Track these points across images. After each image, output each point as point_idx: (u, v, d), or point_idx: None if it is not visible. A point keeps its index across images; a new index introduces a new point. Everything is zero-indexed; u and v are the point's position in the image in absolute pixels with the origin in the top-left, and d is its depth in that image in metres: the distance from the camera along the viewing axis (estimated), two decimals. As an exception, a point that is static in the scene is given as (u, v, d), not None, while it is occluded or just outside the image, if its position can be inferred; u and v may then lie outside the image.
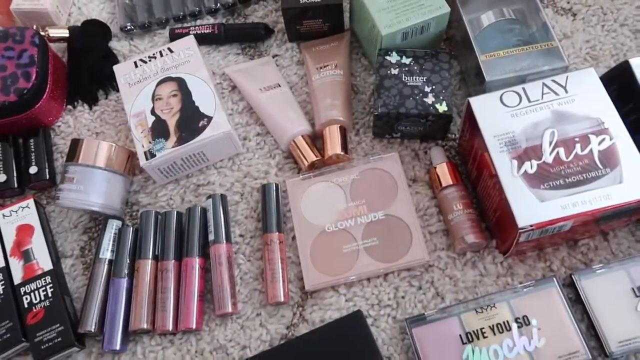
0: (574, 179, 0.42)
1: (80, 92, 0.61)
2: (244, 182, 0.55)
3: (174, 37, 0.62)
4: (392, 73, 0.52)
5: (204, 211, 0.52)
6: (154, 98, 0.55)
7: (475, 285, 0.47)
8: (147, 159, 0.51)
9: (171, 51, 0.57)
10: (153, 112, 0.54)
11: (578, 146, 0.43)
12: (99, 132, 0.59)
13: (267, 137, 0.57)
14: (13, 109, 0.55)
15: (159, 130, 0.53)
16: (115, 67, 0.57)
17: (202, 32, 0.62)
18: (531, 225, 0.41)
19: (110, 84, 0.61)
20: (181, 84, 0.55)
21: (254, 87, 0.58)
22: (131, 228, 0.52)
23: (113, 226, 0.52)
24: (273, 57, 0.62)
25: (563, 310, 0.44)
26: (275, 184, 0.52)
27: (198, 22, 0.64)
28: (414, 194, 0.52)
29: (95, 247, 0.52)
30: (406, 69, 0.52)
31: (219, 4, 0.64)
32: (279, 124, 0.55)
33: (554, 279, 0.45)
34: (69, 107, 0.61)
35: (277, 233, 0.50)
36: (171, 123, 0.53)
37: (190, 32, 0.62)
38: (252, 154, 0.56)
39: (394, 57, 0.53)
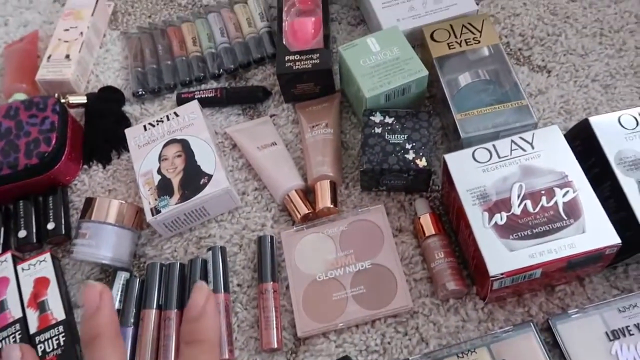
0: (540, 229, 0.45)
1: (95, 153, 0.67)
2: (242, 234, 0.59)
3: (180, 100, 0.69)
4: (376, 132, 0.57)
5: (205, 263, 0.56)
6: (160, 158, 0.60)
7: (458, 330, 0.50)
8: (153, 215, 0.56)
9: (177, 115, 0.63)
10: (159, 172, 0.59)
11: (544, 198, 0.46)
12: (111, 189, 0.64)
13: (264, 191, 0.61)
14: (35, 170, 0.60)
15: (164, 188, 0.58)
16: (126, 131, 0.63)
17: (206, 95, 0.68)
18: (502, 274, 0.44)
19: (122, 145, 0.67)
20: (185, 145, 0.60)
21: (252, 145, 0.63)
22: (138, 279, 0.56)
23: (121, 278, 0.56)
24: (270, 116, 0.67)
25: (540, 355, 0.46)
26: (271, 236, 0.57)
27: (203, 86, 0.71)
28: (400, 244, 0.56)
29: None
30: (389, 127, 0.57)
31: (221, 70, 0.71)
32: (274, 179, 0.60)
33: (532, 324, 0.47)
34: (85, 166, 0.66)
35: (271, 282, 0.54)
36: (175, 181, 0.58)
37: (195, 96, 0.68)
38: (250, 208, 0.60)
39: (377, 117, 0.58)
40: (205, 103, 0.68)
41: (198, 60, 0.71)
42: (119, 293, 0.55)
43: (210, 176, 0.57)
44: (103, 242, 0.56)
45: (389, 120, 0.57)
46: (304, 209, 0.57)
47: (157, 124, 0.63)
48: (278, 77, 0.64)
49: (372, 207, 0.57)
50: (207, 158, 0.59)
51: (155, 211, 0.56)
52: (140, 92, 0.70)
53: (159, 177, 0.59)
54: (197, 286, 0.31)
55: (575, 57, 0.65)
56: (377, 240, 0.55)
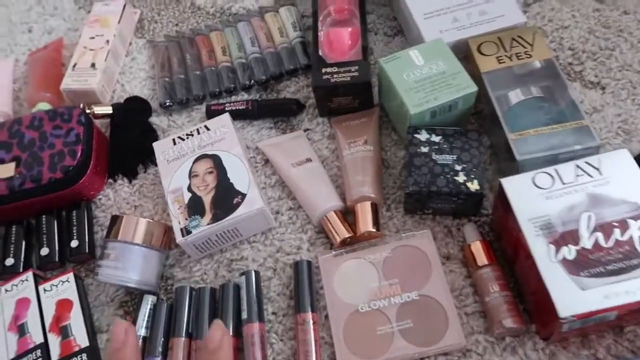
0: (615, 266, 0.41)
1: (121, 167, 0.64)
2: (277, 257, 0.55)
3: (210, 112, 0.65)
4: (422, 151, 0.53)
5: (237, 288, 0.52)
6: (190, 175, 0.57)
7: (515, 371, 0.46)
8: (183, 236, 0.53)
9: (207, 129, 0.60)
10: (190, 189, 0.56)
11: (617, 231, 0.42)
12: (137, 205, 0.61)
13: (299, 211, 0.58)
14: (59, 185, 0.57)
15: (194, 207, 0.54)
16: (155, 144, 0.60)
17: (237, 108, 0.65)
18: (573, 316, 0.40)
19: (149, 158, 0.64)
20: (216, 161, 0.57)
21: (286, 161, 0.59)
22: (166, 303, 0.53)
23: (148, 302, 0.53)
24: (304, 131, 0.64)
25: (611, 403, 0.42)
26: (308, 261, 0.53)
27: (233, 98, 0.68)
28: (448, 273, 0.52)
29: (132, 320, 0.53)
30: (436, 147, 0.53)
31: (252, 81, 0.67)
32: (311, 199, 0.56)
33: (599, 367, 0.43)
34: (110, 180, 0.63)
35: (310, 313, 0.50)
36: (207, 200, 0.54)
37: (226, 109, 0.65)
38: (284, 229, 0.57)
39: (423, 135, 0.54)
40: (235, 115, 0.64)
41: (228, 70, 0.68)
42: (145, 319, 0.52)
43: (243, 195, 0.54)
44: (130, 263, 0.52)
45: (436, 138, 0.53)
46: (344, 233, 0.53)
47: (187, 138, 0.59)
48: (314, 90, 0.60)
49: (418, 231, 0.53)
50: (240, 175, 0.55)
51: (186, 232, 0.53)
52: (167, 103, 0.67)
53: (189, 194, 0.55)
54: (217, 322, 0.39)
55: (632, 74, 0.61)
56: (424, 268, 0.51)
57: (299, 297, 0.51)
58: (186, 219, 0.54)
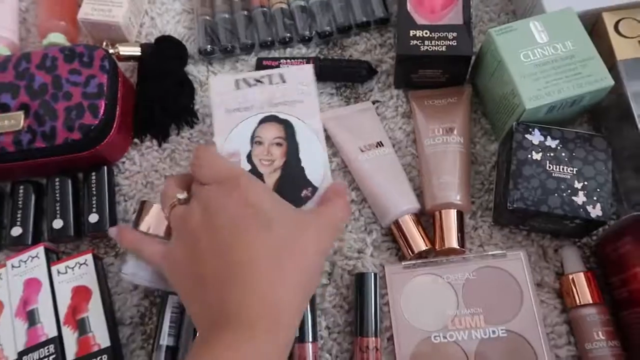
0: None
1: (150, 125, 0.53)
2: (334, 259, 0.47)
3: (260, 68, 0.53)
4: (534, 158, 0.42)
5: (288, 296, 0.44)
6: (253, 139, 0.44)
7: None
8: None
9: (283, 80, 0.46)
10: (249, 159, 0.44)
11: None
12: (167, 175, 0.51)
13: (363, 206, 0.48)
14: (76, 146, 0.47)
15: None
16: (211, 81, 0.46)
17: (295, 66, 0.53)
18: None
19: (184, 118, 0.53)
20: (289, 130, 0.44)
21: (353, 143, 0.49)
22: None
23: (174, 304, 0.44)
24: (373, 103, 0.52)
25: None
26: (374, 273, 0.44)
27: (288, 51, 0.55)
28: (539, 304, 0.43)
29: (155, 324, 0.45)
30: (551, 154, 0.42)
31: (314, 32, 0.55)
32: (381, 196, 0.46)
33: None
34: (135, 140, 0.53)
35: (373, 338, 0.42)
36: (269, 180, 0.43)
37: (281, 65, 0.53)
38: (344, 227, 0.48)
39: (536, 136, 0.43)
40: (290, 75, 0.53)
41: (283, 14, 0.55)
42: (171, 324, 0.44)
43: (314, 189, 0.43)
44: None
45: (552, 143, 0.43)
46: (420, 245, 0.44)
47: (256, 84, 0.45)
48: (397, 58, 0.48)
49: (509, 251, 0.44)
50: (314, 159, 0.43)
51: None
52: (209, 49, 0.54)
53: (249, 166, 0.43)
54: None
55: None
56: (514, 298, 0.43)
57: (362, 318, 0.43)
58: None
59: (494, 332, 0.42)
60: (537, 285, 0.44)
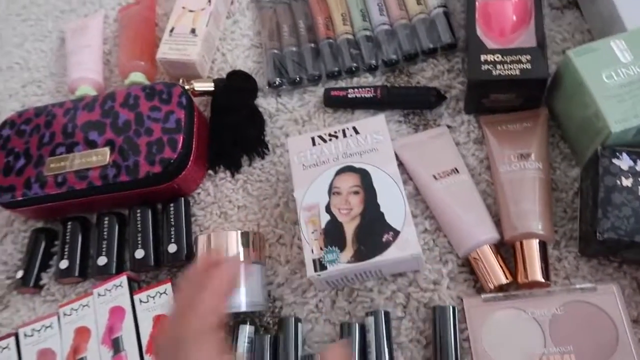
0: None
1: (223, 157, 0.55)
2: (409, 291, 0.45)
3: (329, 99, 0.54)
4: (623, 184, 0.40)
5: (362, 329, 0.43)
6: (331, 191, 0.46)
7: None
8: (316, 270, 0.43)
9: (357, 132, 0.48)
10: (328, 210, 0.45)
11: None
12: (241, 206, 0.52)
13: (438, 235, 0.47)
14: (156, 179, 0.50)
15: (333, 235, 0.44)
16: (289, 141, 0.49)
17: (362, 95, 0.53)
18: None
19: (255, 149, 0.54)
20: (365, 178, 0.45)
21: (427, 171, 0.48)
22: (268, 336, 0.45)
23: (245, 334, 0.45)
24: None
25: None
26: (453, 307, 0.43)
27: (355, 80, 0.56)
28: (637, 343, 0.40)
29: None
30: (644, 180, 0.40)
31: (380, 60, 0.55)
32: (457, 225, 0.45)
33: None
34: (209, 172, 0.55)
35: (455, 375, 0.40)
36: (348, 229, 0.44)
37: (348, 95, 0.53)
38: (418, 256, 0.47)
39: (624, 162, 0.40)
40: (357, 104, 0.53)
41: (350, 44, 0.56)
42: (245, 354, 0.44)
43: (396, 232, 0.42)
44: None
45: (643, 168, 0.40)
46: (500, 278, 0.42)
47: (330, 140, 0.48)
48: (469, 83, 0.48)
49: (600, 284, 0.41)
50: (393, 203, 0.44)
51: (320, 266, 0.43)
52: (277, 82, 0.56)
53: (328, 217, 0.44)
54: None
55: None
56: (608, 337, 0.40)
57: (442, 354, 0.41)
58: (321, 249, 0.44)
59: (587, 373, 0.39)
60: (633, 322, 0.41)
